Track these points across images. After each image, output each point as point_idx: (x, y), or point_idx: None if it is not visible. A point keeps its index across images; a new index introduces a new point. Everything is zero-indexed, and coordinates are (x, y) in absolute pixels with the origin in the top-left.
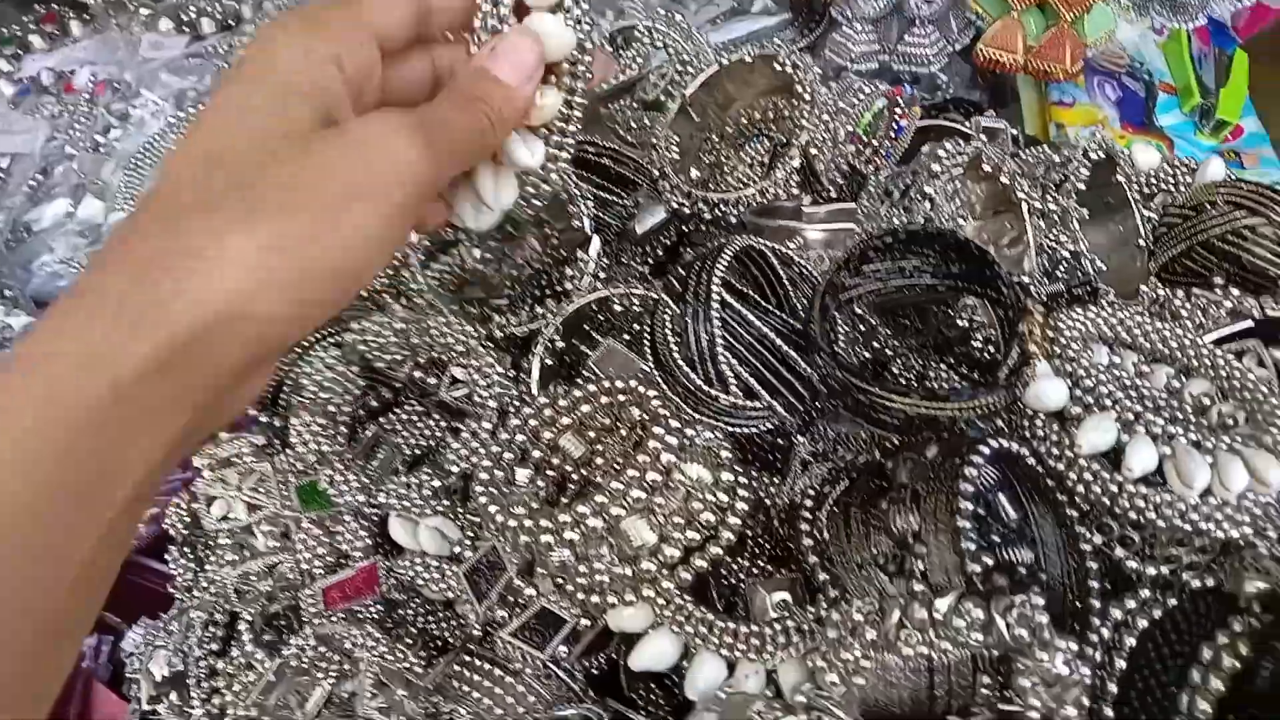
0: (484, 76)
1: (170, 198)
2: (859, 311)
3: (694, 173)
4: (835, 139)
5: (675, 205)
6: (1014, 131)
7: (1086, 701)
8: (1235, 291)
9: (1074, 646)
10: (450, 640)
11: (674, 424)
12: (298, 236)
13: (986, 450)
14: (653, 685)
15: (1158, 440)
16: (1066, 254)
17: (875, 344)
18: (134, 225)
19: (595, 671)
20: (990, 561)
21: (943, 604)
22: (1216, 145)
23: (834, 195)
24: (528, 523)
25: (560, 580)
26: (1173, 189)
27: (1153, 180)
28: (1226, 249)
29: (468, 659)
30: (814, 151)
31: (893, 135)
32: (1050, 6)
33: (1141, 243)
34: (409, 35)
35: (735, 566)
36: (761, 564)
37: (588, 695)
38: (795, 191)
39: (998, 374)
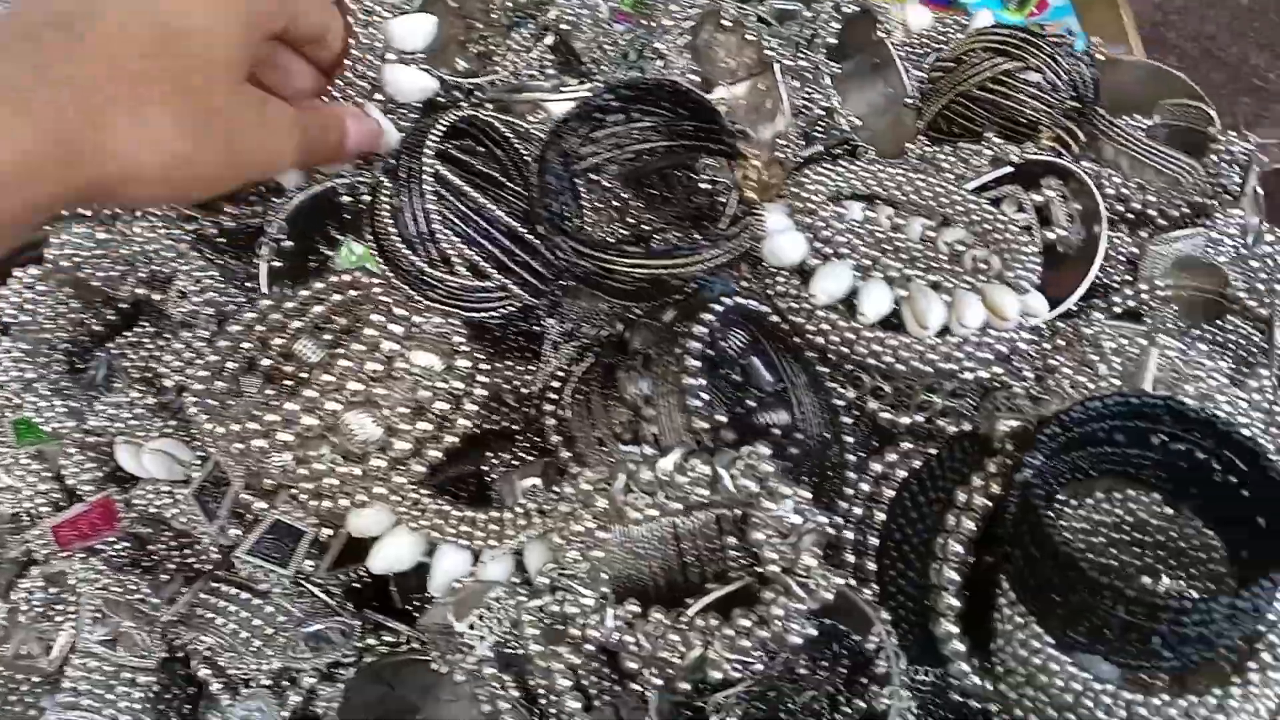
0: (342, 123)
1: (123, 54)
2: (607, 185)
3: (460, 63)
4: (596, 16)
5: (430, 95)
6: (809, 14)
7: (851, 558)
8: (997, 140)
9: (805, 494)
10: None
11: (399, 311)
12: (204, 171)
13: (719, 308)
14: (429, 594)
15: (894, 284)
16: (820, 112)
17: (630, 219)
18: (82, 49)
19: (357, 585)
20: (724, 418)
21: (666, 463)
22: (1022, 20)
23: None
24: (235, 428)
25: (293, 489)
26: (944, 46)
27: (925, 40)
28: (989, 97)
29: (215, 585)
30: (566, 28)
31: None
32: None
33: (909, 100)
34: None
35: (497, 462)
36: (526, 457)
37: (345, 609)
38: (552, 72)
39: (718, 225)
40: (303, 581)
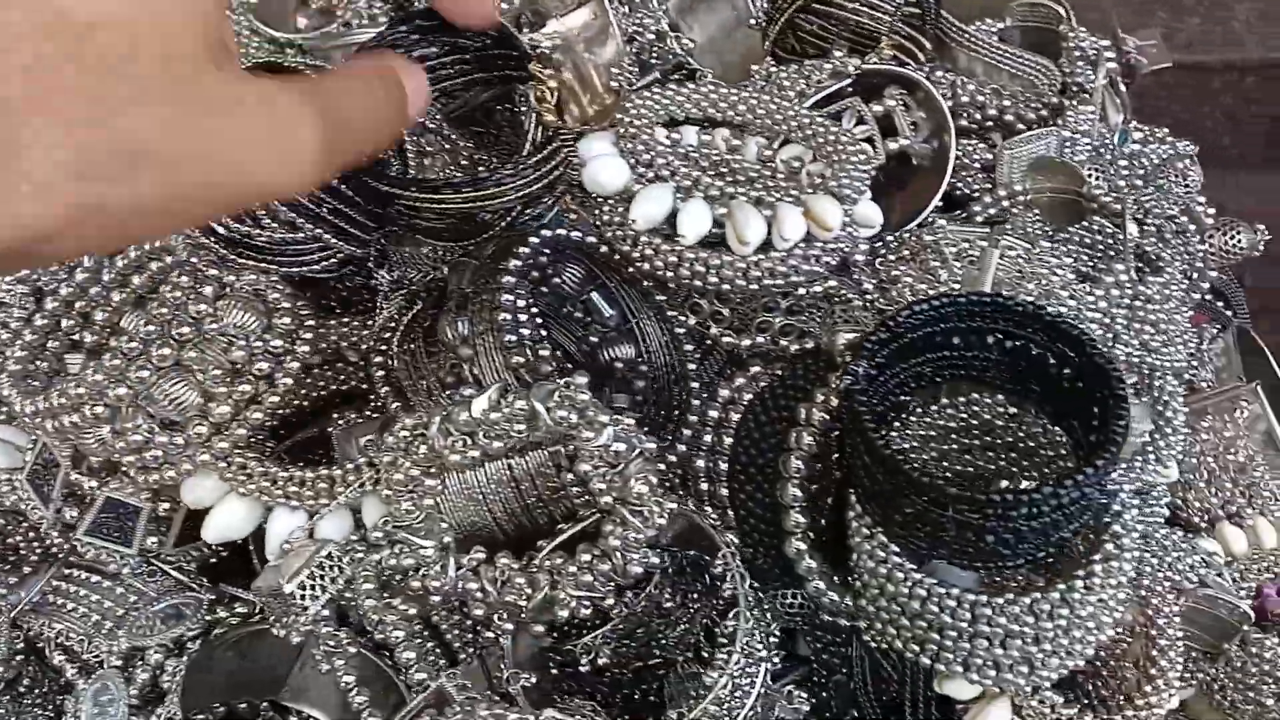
0: (397, 82)
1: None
2: (432, 127)
3: (301, 20)
4: None
5: None
6: None
7: (706, 485)
8: (838, 53)
9: (628, 421)
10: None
11: (210, 271)
12: (137, 224)
13: (536, 239)
14: None
15: (715, 202)
16: (652, 36)
17: (463, 161)
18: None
19: (214, 560)
20: (545, 351)
21: (481, 401)
22: None
23: None
24: (44, 405)
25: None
26: None
27: None
28: (827, 9)
29: (66, 571)
30: None
31: None
32: None
33: (753, 22)
34: None
35: (343, 423)
36: (374, 416)
37: (199, 584)
38: (384, 20)
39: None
40: (152, 560)
